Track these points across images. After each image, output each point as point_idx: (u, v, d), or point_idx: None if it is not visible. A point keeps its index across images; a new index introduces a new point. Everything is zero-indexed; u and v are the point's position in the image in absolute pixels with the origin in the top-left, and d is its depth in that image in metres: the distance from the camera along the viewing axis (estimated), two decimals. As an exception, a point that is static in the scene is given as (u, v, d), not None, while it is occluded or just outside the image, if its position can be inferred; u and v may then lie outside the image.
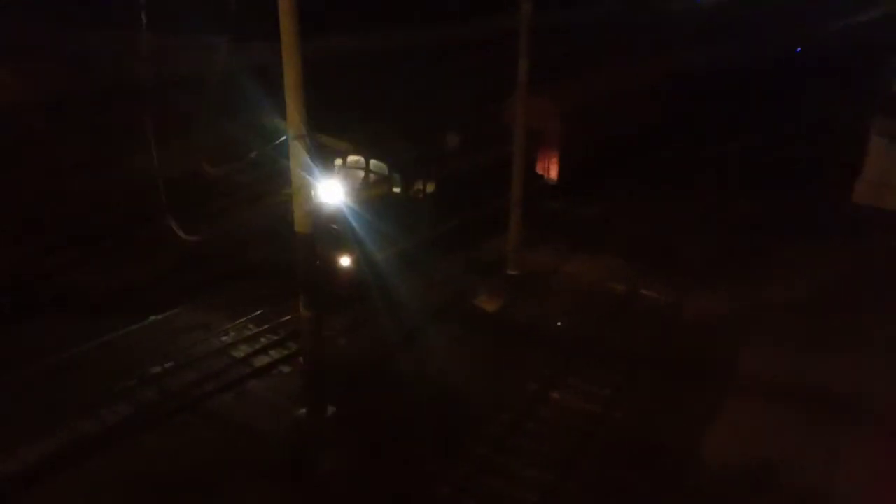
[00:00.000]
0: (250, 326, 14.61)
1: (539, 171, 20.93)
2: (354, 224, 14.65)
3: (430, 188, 16.63)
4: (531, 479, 11.04)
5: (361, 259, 15.11)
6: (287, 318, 14.51)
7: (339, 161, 16.33)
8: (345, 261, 15.02)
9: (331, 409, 12.22)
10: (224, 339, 14.19)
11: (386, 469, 11.27)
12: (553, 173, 21.06)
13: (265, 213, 18.69)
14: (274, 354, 13.77)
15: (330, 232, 14.57)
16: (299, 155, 10.65)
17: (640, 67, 27.02)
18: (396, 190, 16.03)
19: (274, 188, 18.08)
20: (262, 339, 14.21)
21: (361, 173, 16.19)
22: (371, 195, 15.66)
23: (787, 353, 14.30)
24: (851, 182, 21.63)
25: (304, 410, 12.06)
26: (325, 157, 13.91)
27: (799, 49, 40.58)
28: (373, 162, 16.30)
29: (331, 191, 13.54)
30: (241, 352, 13.81)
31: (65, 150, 20.89)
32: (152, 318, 14.43)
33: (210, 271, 16.21)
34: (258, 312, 14.94)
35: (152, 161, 11.05)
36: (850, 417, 12.45)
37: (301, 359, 12.43)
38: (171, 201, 10.83)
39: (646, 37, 38.21)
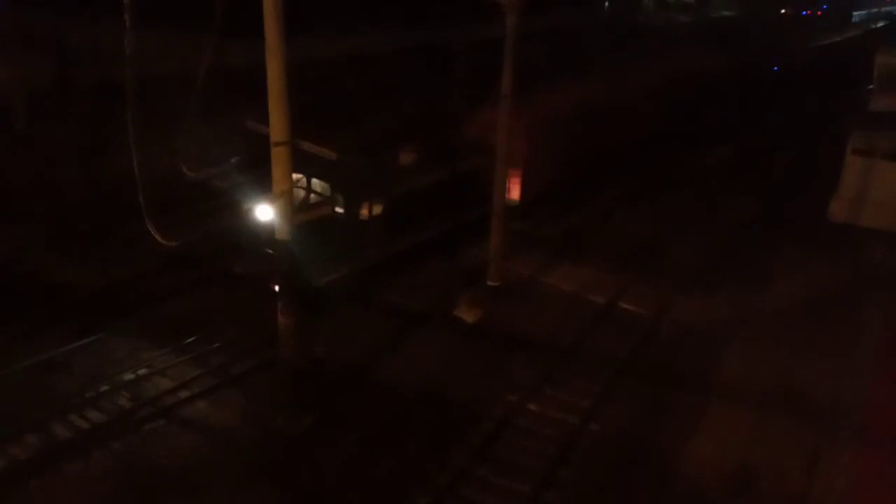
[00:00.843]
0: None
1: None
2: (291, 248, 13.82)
3: (378, 209, 15.46)
4: (509, 489, 11.01)
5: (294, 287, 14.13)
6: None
7: None
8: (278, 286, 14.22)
9: (308, 417, 12.13)
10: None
11: (363, 478, 11.18)
12: (514, 193, 19.65)
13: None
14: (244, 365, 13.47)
15: (264, 257, 14.02)
16: (282, 161, 10.59)
17: (620, 77, 26.80)
18: (340, 210, 15.00)
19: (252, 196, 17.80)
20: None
21: (302, 193, 15.36)
22: (312, 217, 14.80)
23: (769, 360, 14.45)
24: (828, 198, 22.01)
25: (281, 418, 11.95)
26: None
27: (776, 68, 41.43)
28: (314, 181, 15.50)
29: (266, 212, 13.25)
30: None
31: (47, 145, 20.61)
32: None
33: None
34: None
35: (132, 160, 10.89)
36: (831, 425, 12.58)
37: (279, 366, 12.30)
38: (152, 203, 10.66)
39: (631, 45, 38.46)
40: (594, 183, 23.70)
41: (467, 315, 15.80)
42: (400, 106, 22.62)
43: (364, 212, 15.15)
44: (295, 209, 13.80)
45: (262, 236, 14.31)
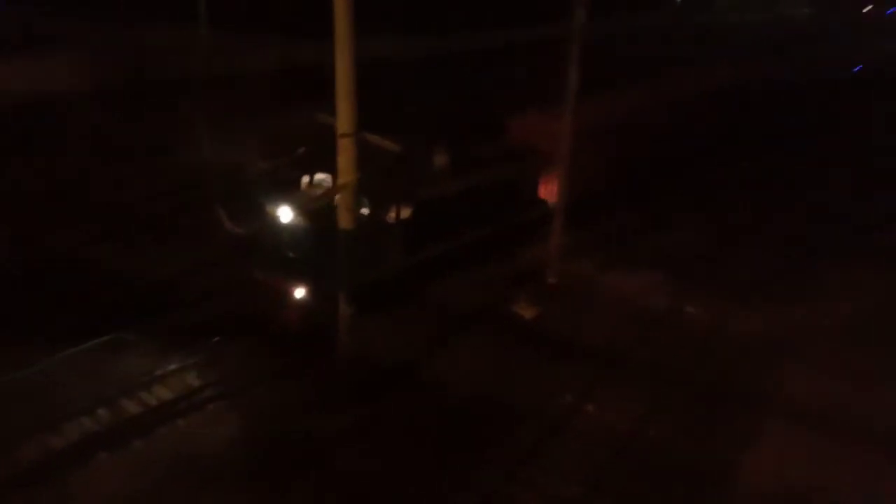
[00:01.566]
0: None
1: (543, 195, 18.93)
2: (314, 252, 13.47)
3: (406, 213, 14.61)
4: (558, 492, 10.94)
5: (317, 292, 13.72)
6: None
7: (306, 179, 14.92)
8: (298, 293, 13.91)
9: (360, 409, 12.31)
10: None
11: (408, 472, 11.28)
12: (552, 196, 18.42)
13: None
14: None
15: (285, 260, 13.75)
16: (347, 152, 10.78)
17: (680, 80, 26.01)
18: (365, 212, 13.89)
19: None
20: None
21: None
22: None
23: (830, 380, 13.90)
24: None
25: (332, 410, 12.16)
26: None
27: (859, 67, 39.64)
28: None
29: (286, 213, 12.84)
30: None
31: (117, 139, 21.50)
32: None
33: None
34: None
35: (202, 153, 11.29)
36: (892, 452, 12.06)
37: (334, 357, 12.50)
38: (220, 193, 11.02)
39: (686, 50, 37.28)
40: (646, 189, 22.60)
41: (526, 311, 15.75)
42: (447, 107, 22.36)
43: (391, 215, 14.34)
44: (323, 210, 13.08)
45: (284, 239, 13.90)
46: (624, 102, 21.86)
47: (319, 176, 14.53)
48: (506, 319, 15.57)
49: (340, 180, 10.97)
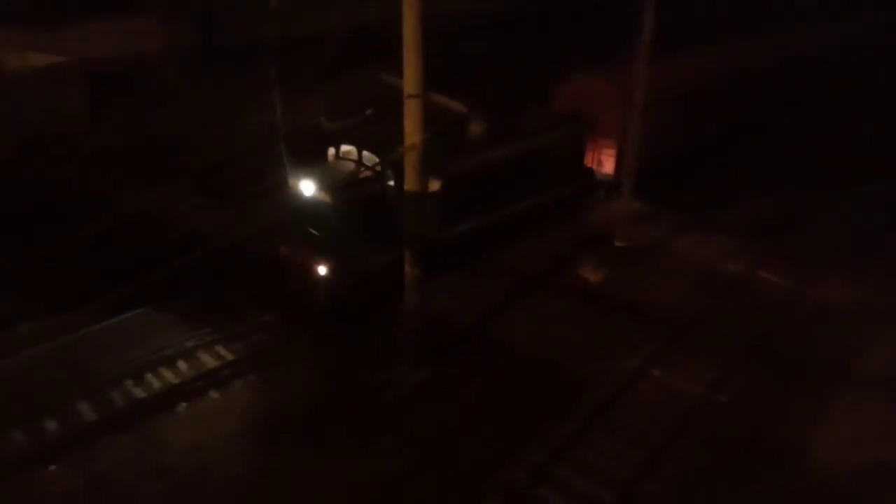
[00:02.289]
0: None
1: (590, 164, 18.23)
2: (339, 226, 13.17)
3: (435, 186, 13.74)
4: (623, 455, 10.89)
5: (342, 269, 13.40)
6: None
7: (332, 151, 14.55)
8: (322, 270, 13.51)
9: (426, 369, 12.48)
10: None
11: (475, 432, 11.39)
12: (608, 166, 17.95)
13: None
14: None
15: (308, 235, 13.49)
16: (414, 114, 10.74)
17: (754, 44, 23.80)
18: (391, 183, 13.57)
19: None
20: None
21: (353, 166, 14.21)
22: (363, 193, 13.69)
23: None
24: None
25: (398, 369, 12.40)
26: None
27: None
28: (365, 154, 14.20)
29: (308, 187, 12.68)
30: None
31: (193, 102, 22.01)
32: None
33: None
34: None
35: (274, 115, 11.43)
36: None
37: (399, 318, 12.66)
38: (290, 155, 11.16)
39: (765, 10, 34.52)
40: (716, 157, 21.35)
41: (592, 275, 15.55)
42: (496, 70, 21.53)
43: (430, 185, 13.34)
44: (342, 183, 13.32)
45: (307, 214, 13.54)
46: (696, 64, 20.19)
47: (345, 148, 14.25)
48: (572, 283, 15.41)
49: (407, 141, 10.97)
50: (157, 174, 18.49)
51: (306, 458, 10.74)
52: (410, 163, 11.11)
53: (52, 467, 10.44)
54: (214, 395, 12.01)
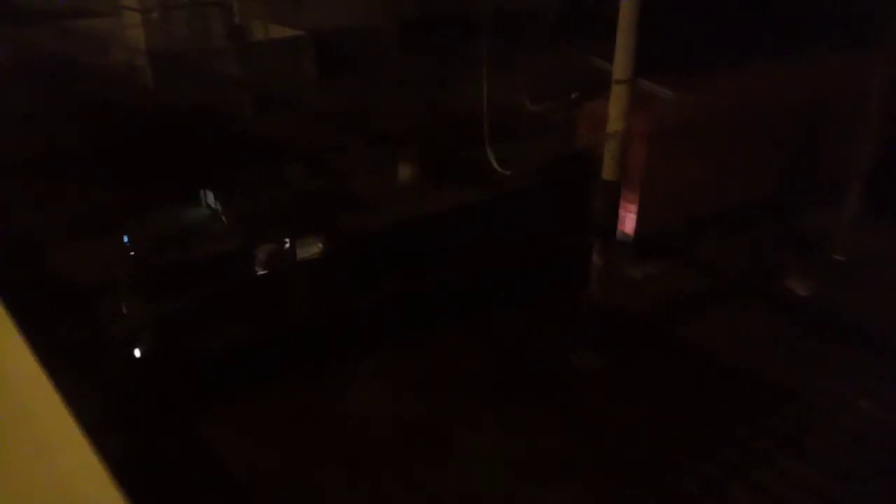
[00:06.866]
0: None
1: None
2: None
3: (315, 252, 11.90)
4: (814, 485, 9.94)
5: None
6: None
7: None
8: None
9: (606, 358, 12.16)
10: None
11: (650, 429, 10.79)
12: (628, 225, 13.69)
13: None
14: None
15: None
16: (620, 100, 10.41)
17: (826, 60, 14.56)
18: None
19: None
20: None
21: None
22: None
23: None
24: None
25: (578, 354, 12.25)
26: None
27: None
28: None
29: None
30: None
31: (404, 73, 23.08)
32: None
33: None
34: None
35: (478, 92, 11.66)
36: None
37: (586, 304, 12.49)
38: (490, 134, 11.36)
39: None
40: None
41: (799, 287, 14.21)
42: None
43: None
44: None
45: None
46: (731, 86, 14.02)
47: None
48: (775, 291, 14.07)
49: (610, 128, 10.68)
50: (367, 138, 19.74)
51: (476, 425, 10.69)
52: (609, 152, 10.83)
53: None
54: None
